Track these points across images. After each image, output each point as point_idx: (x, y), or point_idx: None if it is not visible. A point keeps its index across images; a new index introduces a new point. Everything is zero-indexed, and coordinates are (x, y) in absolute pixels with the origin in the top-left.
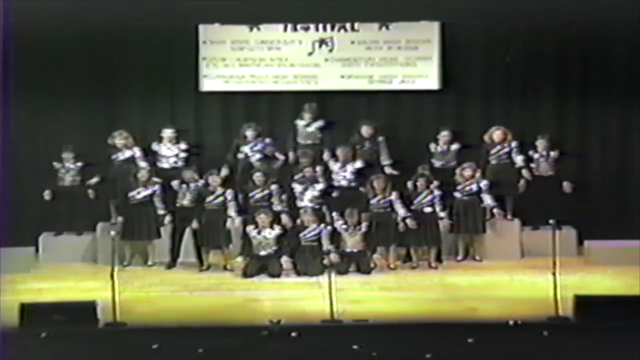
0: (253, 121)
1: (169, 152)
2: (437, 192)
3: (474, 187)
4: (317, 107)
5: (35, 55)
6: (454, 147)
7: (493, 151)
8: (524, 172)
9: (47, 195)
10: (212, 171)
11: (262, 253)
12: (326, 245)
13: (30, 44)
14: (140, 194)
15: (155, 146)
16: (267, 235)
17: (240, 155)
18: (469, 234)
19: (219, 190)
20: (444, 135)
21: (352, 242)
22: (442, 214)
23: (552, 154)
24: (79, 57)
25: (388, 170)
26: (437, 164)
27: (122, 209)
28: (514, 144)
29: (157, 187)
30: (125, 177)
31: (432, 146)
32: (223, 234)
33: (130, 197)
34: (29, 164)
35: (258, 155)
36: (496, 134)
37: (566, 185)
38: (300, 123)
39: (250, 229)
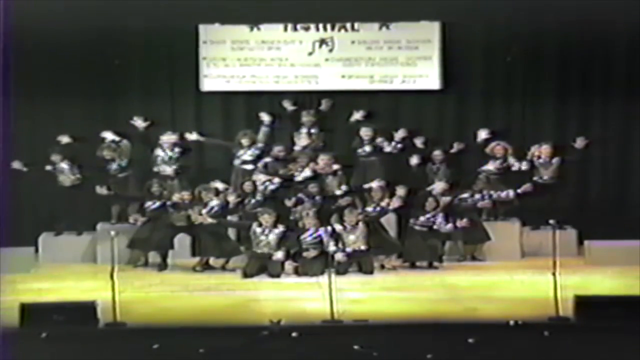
0: (253, 121)
1: (167, 157)
2: (440, 217)
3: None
4: (314, 113)
5: (35, 56)
6: (443, 167)
7: (491, 167)
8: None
9: (135, 219)
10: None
11: (263, 251)
12: (331, 246)
13: (31, 45)
14: (153, 205)
15: (156, 152)
16: (269, 235)
17: (236, 162)
18: (475, 244)
19: (212, 202)
20: (436, 154)
21: (351, 241)
22: (447, 227)
23: (554, 160)
24: (80, 57)
25: (377, 184)
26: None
27: (134, 220)
28: (511, 159)
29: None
30: (123, 186)
31: (428, 166)
32: (222, 244)
33: (145, 208)
34: (29, 163)
35: (260, 163)
36: (496, 149)
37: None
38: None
39: (253, 227)
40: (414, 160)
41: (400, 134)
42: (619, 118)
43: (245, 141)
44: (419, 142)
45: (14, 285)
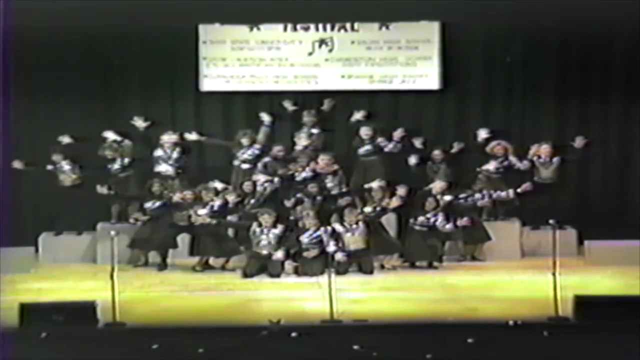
0: (253, 121)
1: (168, 157)
2: (440, 216)
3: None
4: (315, 113)
5: (35, 56)
6: (443, 166)
7: (491, 167)
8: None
9: (135, 218)
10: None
11: (263, 252)
12: (331, 246)
13: (31, 45)
14: (154, 205)
15: (156, 152)
16: (269, 235)
17: (236, 162)
18: (475, 244)
19: (212, 201)
20: (436, 154)
21: (351, 241)
22: (448, 227)
23: (554, 159)
24: (79, 57)
25: (377, 184)
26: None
27: (136, 220)
28: (512, 159)
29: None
30: (124, 186)
31: (428, 166)
32: (222, 244)
33: (145, 208)
34: (30, 163)
35: (259, 163)
36: (497, 148)
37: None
38: (302, 133)
39: (252, 227)
40: (413, 160)
41: (398, 134)
42: (618, 118)
43: (245, 141)
44: (417, 142)
45: (14, 285)
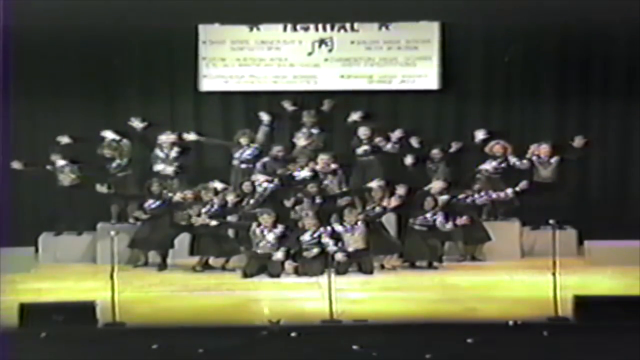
0: (252, 121)
1: (166, 156)
2: (440, 215)
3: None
4: (315, 113)
5: (35, 56)
6: (442, 166)
7: (490, 166)
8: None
9: (135, 218)
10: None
11: (263, 251)
12: (331, 246)
13: (30, 44)
14: (153, 204)
15: (155, 152)
16: (269, 235)
17: (235, 162)
18: (475, 244)
19: (212, 201)
20: (435, 153)
21: (351, 241)
22: (447, 226)
23: (553, 159)
24: (79, 57)
25: (376, 184)
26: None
27: (134, 219)
28: (512, 158)
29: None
30: (123, 185)
31: (427, 165)
32: (222, 244)
33: (144, 207)
34: (29, 163)
35: (259, 163)
36: (496, 148)
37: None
38: (300, 133)
39: (252, 228)
40: (409, 160)
41: (397, 134)
42: (618, 117)
43: (244, 140)
44: (414, 141)
45: (14, 285)
